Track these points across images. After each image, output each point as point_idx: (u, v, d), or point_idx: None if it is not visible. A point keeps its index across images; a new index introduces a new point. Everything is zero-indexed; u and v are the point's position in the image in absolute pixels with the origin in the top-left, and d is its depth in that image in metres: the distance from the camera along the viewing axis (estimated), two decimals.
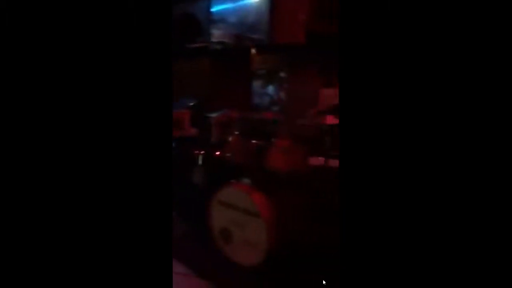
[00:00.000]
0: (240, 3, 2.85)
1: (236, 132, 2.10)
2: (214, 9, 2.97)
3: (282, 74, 2.59)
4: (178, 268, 1.97)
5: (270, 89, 2.62)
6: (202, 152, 2.27)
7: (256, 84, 2.75)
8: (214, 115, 2.21)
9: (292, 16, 2.44)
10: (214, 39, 2.86)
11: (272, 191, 1.94)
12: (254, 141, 2.05)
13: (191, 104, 2.61)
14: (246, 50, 2.58)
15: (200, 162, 2.27)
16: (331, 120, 1.82)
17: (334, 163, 1.92)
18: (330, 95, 2.24)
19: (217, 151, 2.19)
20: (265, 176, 2.00)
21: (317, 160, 1.92)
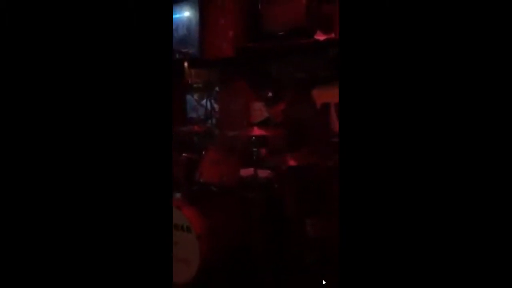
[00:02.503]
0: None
1: None
2: None
3: (213, 88, 2.61)
4: None
5: (202, 102, 2.62)
6: None
7: (188, 98, 2.72)
8: None
9: (221, 32, 2.49)
10: None
11: (204, 205, 1.91)
12: (184, 154, 2.02)
13: None
14: (177, 63, 2.56)
15: None
16: (261, 132, 1.87)
17: (264, 173, 1.97)
18: (260, 108, 2.30)
19: None
20: (197, 190, 1.98)
21: (247, 171, 1.94)
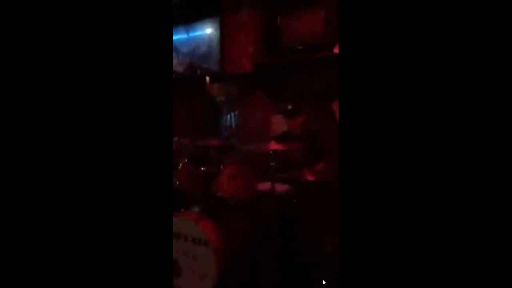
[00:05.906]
0: (193, 34, 2.92)
1: (186, 160, 2.07)
2: None
3: (233, 102, 2.63)
4: None
5: (222, 116, 2.65)
6: None
7: (208, 112, 2.77)
8: None
9: (241, 48, 2.53)
10: None
11: (221, 219, 1.91)
12: (202, 168, 2.04)
13: None
14: (198, 79, 2.61)
15: None
16: (279, 146, 1.86)
17: (281, 187, 1.94)
18: (278, 121, 2.29)
19: None
20: (214, 203, 1.98)
21: (265, 185, 1.92)
